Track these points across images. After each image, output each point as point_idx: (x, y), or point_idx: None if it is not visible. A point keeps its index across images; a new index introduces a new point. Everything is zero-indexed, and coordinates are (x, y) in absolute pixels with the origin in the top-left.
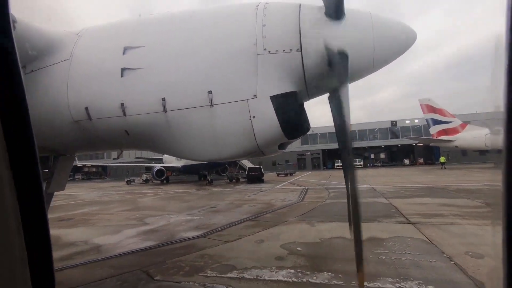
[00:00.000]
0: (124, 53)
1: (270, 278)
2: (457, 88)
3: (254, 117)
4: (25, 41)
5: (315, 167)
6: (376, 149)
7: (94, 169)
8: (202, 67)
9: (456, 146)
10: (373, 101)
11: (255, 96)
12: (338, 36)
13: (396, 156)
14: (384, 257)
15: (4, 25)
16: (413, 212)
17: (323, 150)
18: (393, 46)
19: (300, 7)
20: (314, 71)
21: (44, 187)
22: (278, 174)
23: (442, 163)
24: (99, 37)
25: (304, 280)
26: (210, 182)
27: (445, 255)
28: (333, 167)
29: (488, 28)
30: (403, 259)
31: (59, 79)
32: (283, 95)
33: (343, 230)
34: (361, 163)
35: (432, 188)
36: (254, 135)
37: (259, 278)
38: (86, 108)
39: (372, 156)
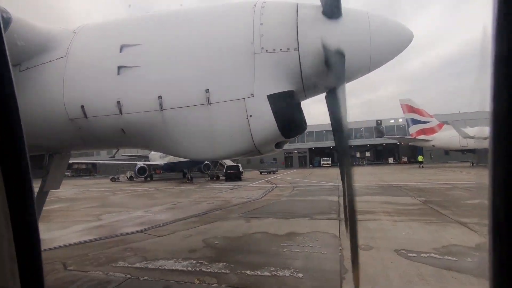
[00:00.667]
0: (120, 51)
1: (169, 268)
2: (454, 86)
3: (251, 116)
4: (21, 39)
5: (302, 165)
6: (362, 148)
7: (84, 166)
8: (199, 65)
9: (434, 146)
10: (370, 99)
11: (252, 95)
12: (335, 35)
13: (381, 154)
14: (285, 250)
15: None
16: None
17: (310, 149)
18: (390, 46)
19: (297, 6)
20: (311, 70)
21: (39, 185)
22: (261, 172)
23: (420, 162)
24: (95, 34)
25: (198, 269)
26: (190, 179)
27: (340, 247)
28: (319, 165)
29: (485, 26)
30: (300, 251)
31: (54, 76)
32: (280, 94)
33: (272, 226)
34: None
35: (391, 186)
36: (251, 134)
37: (160, 267)
38: (82, 106)
39: (358, 154)
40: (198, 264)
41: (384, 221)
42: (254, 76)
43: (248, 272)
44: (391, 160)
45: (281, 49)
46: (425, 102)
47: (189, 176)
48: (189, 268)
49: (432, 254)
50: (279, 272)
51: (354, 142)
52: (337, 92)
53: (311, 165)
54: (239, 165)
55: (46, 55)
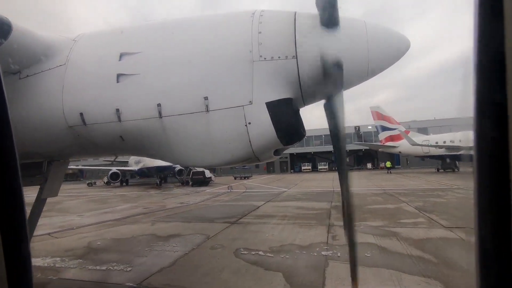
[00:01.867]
0: (120, 59)
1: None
2: (452, 92)
3: (249, 123)
4: (21, 47)
5: (284, 170)
6: None
7: (70, 171)
8: (198, 73)
9: (400, 152)
10: (369, 104)
11: (250, 102)
12: (333, 43)
13: (361, 160)
14: (147, 249)
15: None
16: (261, 213)
17: (290, 154)
18: (387, 54)
19: (295, 15)
20: (309, 78)
21: (37, 193)
22: (235, 178)
23: (388, 168)
24: (95, 42)
25: (53, 265)
26: (159, 185)
27: (193, 247)
28: (300, 170)
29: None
30: (158, 250)
31: (54, 84)
32: (279, 102)
33: (166, 229)
34: (326, 167)
35: (330, 192)
36: (250, 141)
37: None
38: (81, 114)
39: None
40: (59, 260)
41: (270, 224)
42: (252, 83)
43: (90, 267)
44: (369, 165)
45: (279, 57)
46: (421, 108)
47: (158, 182)
48: (46, 264)
49: (260, 252)
50: (115, 267)
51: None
52: (335, 99)
53: (292, 170)
54: (205, 171)
55: (46, 63)
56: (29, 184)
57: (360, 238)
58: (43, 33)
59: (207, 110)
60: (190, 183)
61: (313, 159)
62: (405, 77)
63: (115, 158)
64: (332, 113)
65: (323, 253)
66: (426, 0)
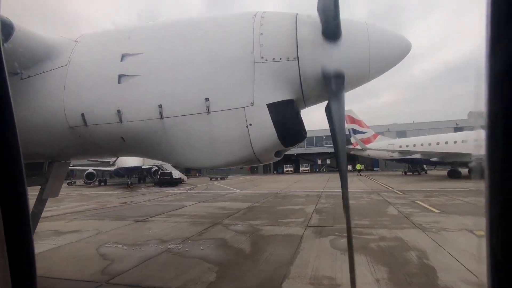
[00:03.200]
0: (121, 60)
1: None
2: (455, 93)
3: (250, 124)
4: (23, 48)
5: (267, 171)
6: (324, 155)
7: None
8: (200, 74)
9: (368, 155)
10: (373, 105)
11: (252, 103)
12: (334, 46)
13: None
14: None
15: None
16: (175, 213)
17: None
18: (389, 56)
19: (297, 16)
20: (310, 80)
21: (38, 193)
22: (211, 178)
23: (358, 170)
24: (97, 43)
25: None
26: (130, 185)
27: (72, 240)
28: (283, 172)
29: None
30: (41, 242)
31: (56, 84)
32: (280, 103)
33: (78, 226)
34: (308, 168)
35: (270, 194)
36: (251, 143)
37: None
38: (82, 114)
39: (319, 161)
40: None
41: (169, 222)
42: (254, 85)
43: None
44: (349, 167)
45: (280, 59)
46: (425, 110)
47: (128, 182)
48: None
49: (118, 245)
50: None
51: (316, 150)
52: (336, 100)
53: (274, 172)
54: (173, 172)
55: (48, 63)
56: (30, 184)
57: (224, 233)
58: (45, 34)
59: (208, 112)
60: (159, 184)
61: (296, 160)
62: (409, 79)
63: (115, 160)
64: (333, 115)
65: (170, 246)
66: (431, 1)
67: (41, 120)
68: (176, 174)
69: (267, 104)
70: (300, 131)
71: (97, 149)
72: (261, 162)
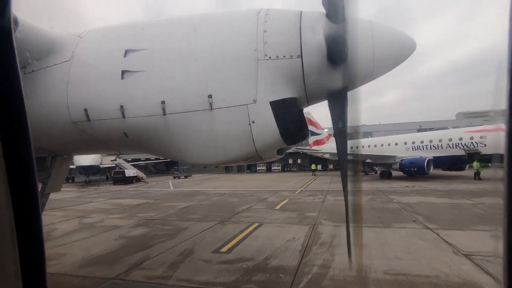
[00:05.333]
0: (125, 56)
1: None
2: (459, 92)
3: (253, 122)
4: (27, 42)
5: (241, 170)
6: (295, 155)
7: None
8: (203, 71)
9: (322, 155)
10: (377, 103)
11: (254, 101)
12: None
13: (314, 162)
14: None
15: (5, 27)
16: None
17: None
18: (393, 55)
19: (301, 14)
20: (314, 78)
21: (40, 188)
22: (174, 177)
23: (313, 170)
24: (100, 39)
25: None
26: (88, 182)
27: None
28: (256, 171)
29: (492, 33)
30: None
31: (59, 80)
32: (283, 101)
33: None
34: (280, 168)
35: (194, 193)
36: (253, 140)
37: None
38: (85, 110)
39: (291, 161)
40: None
41: (86, 217)
42: (257, 82)
43: None
44: (319, 167)
45: (284, 56)
46: (429, 108)
47: (87, 180)
48: None
49: None
50: None
51: (288, 150)
52: (339, 99)
53: (248, 170)
54: (125, 170)
55: (51, 58)
56: None
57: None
58: (48, 28)
59: (211, 108)
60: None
61: None
62: (414, 77)
63: (118, 155)
64: (336, 113)
65: None
66: (437, 2)
67: (44, 115)
68: (130, 172)
69: (270, 102)
70: (303, 129)
71: (100, 145)
72: (263, 160)
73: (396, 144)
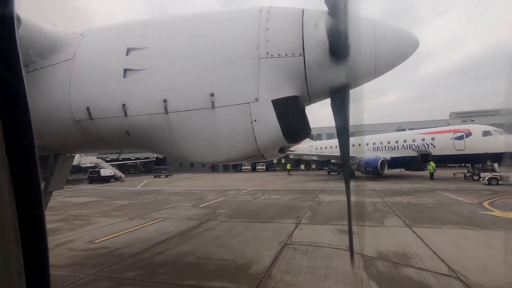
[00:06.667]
0: (127, 54)
1: None
2: (463, 92)
3: (255, 120)
4: (29, 41)
5: (227, 169)
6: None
7: None
8: (205, 69)
9: (290, 156)
10: (380, 103)
11: (256, 99)
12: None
13: (297, 161)
14: None
15: (9, 25)
16: None
17: None
18: (395, 53)
19: (303, 12)
20: (316, 76)
21: (43, 186)
22: (155, 176)
23: (288, 170)
24: (102, 37)
25: None
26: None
27: None
28: (241, 170)
29: (497, 33)
30: None
31: (61, 78)
32: (285, 99)
33: None
34: (264, 167)
35: (148, 191)
36: (255, 139)
37: None
38: (88, 108)
39: (275, 161)
40: None
41: None
42: (259, 81)
43: None
44: (302, 166)
45: (286, 54)
46: (433, 107)
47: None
48: None
49: None
50: None
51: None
52: (341, 97)
53: (233, 170)
54: (101, 170)
55: (54, 57)
56: None
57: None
58: (51, 27)
59: (213, 107)
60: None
61: None
62: (417, 76)
63: (120, 154)
64: (338, 111)
65: None
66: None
67: (47, 114)
68: (107, 172)
69: (272, 100)
70: (305, 128)
71: (102, 143)
72: (265, 158)
73: (359, 145)
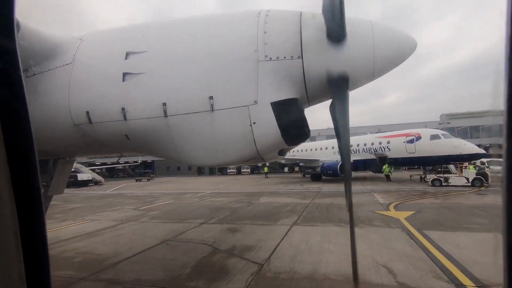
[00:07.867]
0: (126, 58)
1: None
2: (461, 94)
3: (254, 123)
4: (28, 45)
5: (213, 172)
6: None
7: None
8: (203, 72)
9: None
10: (378, 105)
11: (255, 102)
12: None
13: (282, 165)
14: None
15: (8, 30)
16: None
17: None
18: (393, 54)
19: (301, 15)
20: (314, 78)
21: (43, 190)
22: (137, 180)
23: (266, 173)
24: (101, 41)
25: None
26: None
27: None
28: (227, 173)
29: (495, 34)
30: None
31: (60, 82)
32: (284, 102)
33: None
34: (249, 170)
35: (113, 195)
36: (254, 141)
37: None
38: (87, 112)
39: (260, 164)
40: None
41: None
42: (257, 83)
43: None
44: (286, 169)
45: (284, 57)
46: (431, 109)
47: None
48: None
49: None
50: None
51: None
52: (340, 99)
53: (219, 173)
54: (78, 174)
55: (53, 61)
56: None
57: None
58: (50, 31)
59: (212, 110)
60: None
61: None
62: (416, 78)
63: (120, 157)
64: (337, 113)
65: None
66: (444, 2)
67: (46, 118)
68: (84, 176)
69: (271, 103)
70: (304, 130)
71: (102, 147)
72: (265, 161)
73: (326, 148)
